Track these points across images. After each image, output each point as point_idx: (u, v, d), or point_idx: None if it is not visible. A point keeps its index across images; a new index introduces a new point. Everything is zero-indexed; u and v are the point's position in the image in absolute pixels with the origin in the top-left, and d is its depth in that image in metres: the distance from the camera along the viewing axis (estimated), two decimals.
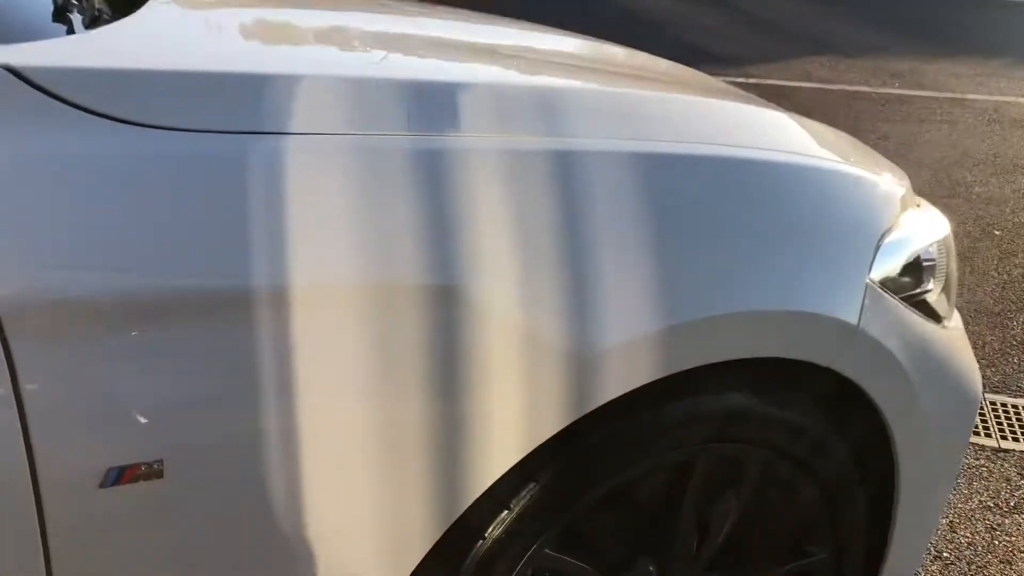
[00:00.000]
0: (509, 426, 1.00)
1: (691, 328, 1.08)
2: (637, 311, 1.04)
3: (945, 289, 1.42)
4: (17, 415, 0.80)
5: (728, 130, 1.31)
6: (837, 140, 1.54)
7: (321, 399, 0.91)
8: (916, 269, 1.34)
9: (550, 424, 1.02)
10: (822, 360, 1.19)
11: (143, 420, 0.84)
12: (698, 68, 1.87)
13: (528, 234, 0.98)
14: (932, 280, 1.37)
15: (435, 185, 0.95)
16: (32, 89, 0.83)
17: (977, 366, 1.47)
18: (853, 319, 1.18)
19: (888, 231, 1.28)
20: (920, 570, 1.93)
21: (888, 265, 1.27)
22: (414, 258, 0.92)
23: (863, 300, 1.20)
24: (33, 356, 0.79)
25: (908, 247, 1.31)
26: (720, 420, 1.18)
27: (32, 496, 0.82)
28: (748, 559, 1.35)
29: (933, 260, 1.38)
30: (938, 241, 1.39)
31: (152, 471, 0.86)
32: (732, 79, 5.82)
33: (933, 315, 1.36)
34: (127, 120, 0.86)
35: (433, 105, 1.03)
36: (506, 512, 1.07)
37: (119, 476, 0.85)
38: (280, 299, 0.87)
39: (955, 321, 1.45)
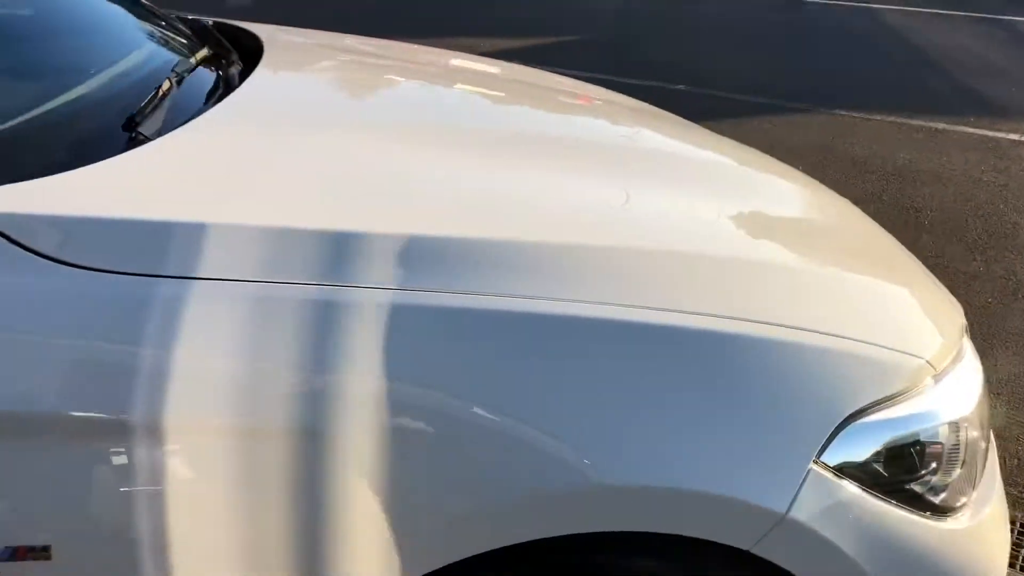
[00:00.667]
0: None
1: (598, 493, 1.08)
2: (535, 470, 1.06)
3: (964, 476, 1.27)
4: None
5: (695, 291, 1.23)
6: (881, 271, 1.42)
7: (188, 522, 1.03)
8: (910, 454, 1.22)
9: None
10: (740, 544, 1.13)
11: (32, 511, 1.01)
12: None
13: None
14: (936, 466, 1.24)
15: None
16: None
17: (998, 565, 1.30)
18: (781, 506, 1.11)
19: (865, 410, 1.17)
20: None
21: (855, 449, 1.17)
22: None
23: (800, 486, 1.12)
24: None
25: (892, 430, 1.19)
26: None
27: None
28: None
29: (939, 444, 1.24)
30: (950, 423, 1.25)
31: (40, 553, 1.02)
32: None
33: (930, 507, 1.23)
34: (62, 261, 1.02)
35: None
36: None
37: (12, 554, 1.02)
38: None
39: (974, 515, 1.29)
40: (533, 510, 1.09)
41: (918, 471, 1.22)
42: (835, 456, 1.15)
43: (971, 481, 1.29)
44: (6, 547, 1.02)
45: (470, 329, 1.07)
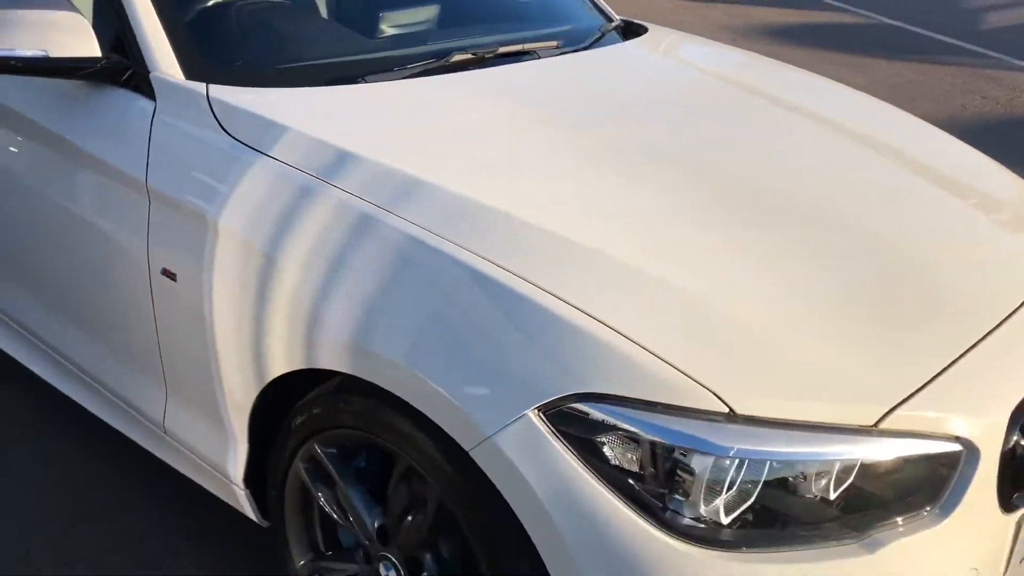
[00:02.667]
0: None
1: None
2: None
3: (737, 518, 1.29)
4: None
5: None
6: None
7: None
8: (651, 461, 1.31)
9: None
10: (463, 443, 1.39)
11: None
12: None
13: None
14: (682, 488, 1.29)
15: None
16: None
17: None
18: (489, 430, 1.35)
19: (608, 399, 1.30)
20: None
21: (583, 424, 1.32)
22: None
23: (510, 423, 1.33)
24: None
25: (635, 426, 1.29)
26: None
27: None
28: None
29: (692, 471, 1.29)
30: (728, 460, 1.27)
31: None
32: None
33: (660, 519, 1.29)
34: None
35: None
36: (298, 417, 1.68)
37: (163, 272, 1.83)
38: None
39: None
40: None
41: (651, 482, 1.30)
42: (561, 420, 1.33)
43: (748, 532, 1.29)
44: (164, 270, 1.84)
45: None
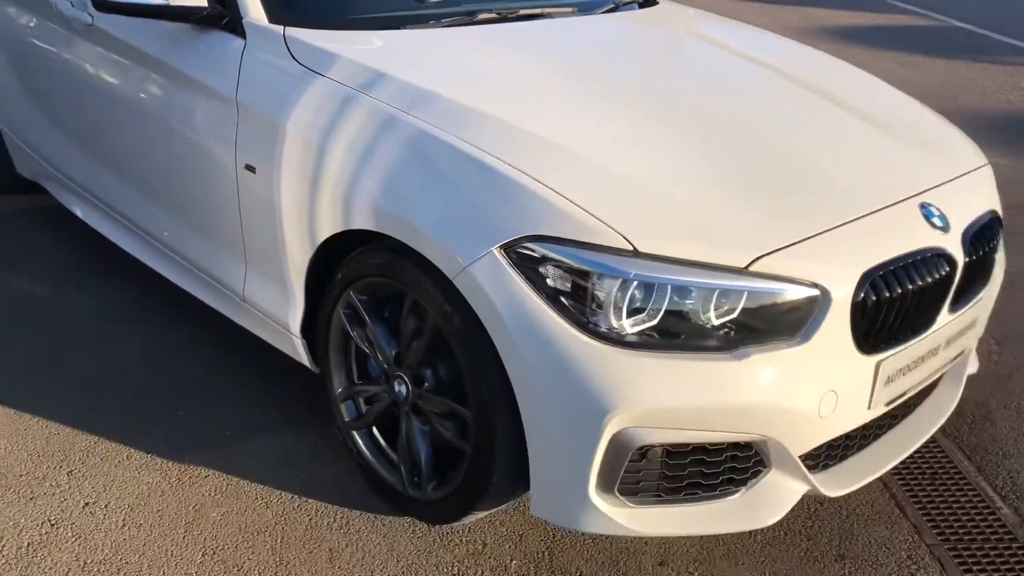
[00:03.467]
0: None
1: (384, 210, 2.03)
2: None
3: (648, 327, 1.79)
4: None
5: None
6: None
7: None
8: (578, 285, 1.81)
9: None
10: (447, 272, 1.92)
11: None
12: None
13: None
14: (600, 304, 1.79)
15: None
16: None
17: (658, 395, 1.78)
18: (464, 262, 1.88)
19: (551, 240, 1.82)
20: None
21: (533, 261, 1.84)
22: None
23: (479, 258, 1.86)
24: None
25: (568, 259, 1.80)
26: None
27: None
28: None
29: (604, 292, 1.79)
30: (634, 282, 1.78)
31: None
32: None
33: (589, 328, 1.80)
34: None
35: None
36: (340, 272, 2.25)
37: (247, 167, 2.42)
38: None
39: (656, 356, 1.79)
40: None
41: (579, 300, 1.81)
42: (516, 255, 1.84)
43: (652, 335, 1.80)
44: (246, 165, 2.43)
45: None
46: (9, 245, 3.57)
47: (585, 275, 1.81)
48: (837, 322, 1.88)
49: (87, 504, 2.24)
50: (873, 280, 1.92)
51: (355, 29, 2.52)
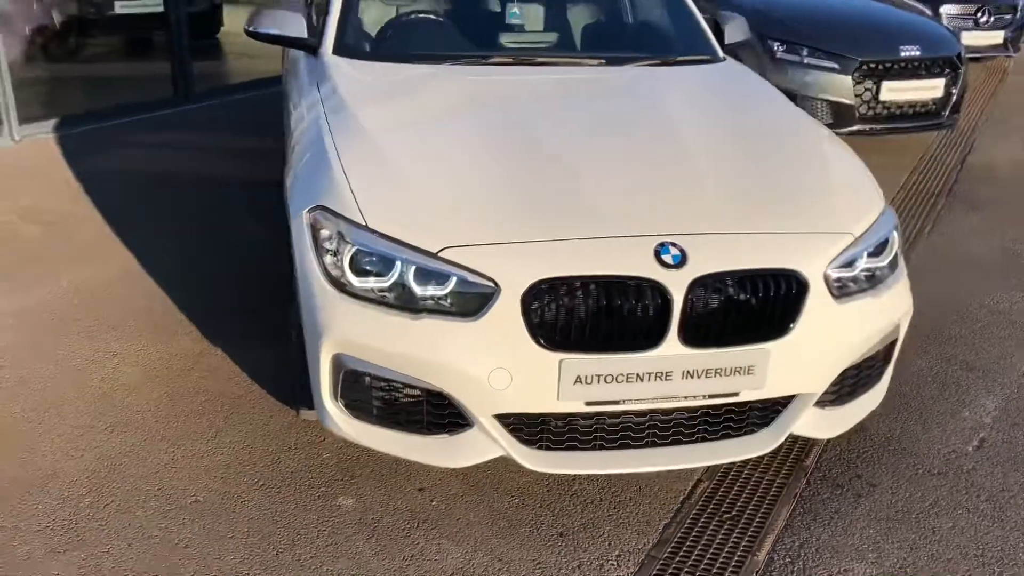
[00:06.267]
0: None
1: None
2: None
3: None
4: None
5: None
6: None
7: None
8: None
9: None
10: (290, 223, 2.73)
11: None
12: None
13: None
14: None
15: None
16: None
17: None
18: (294, 216, 2.68)
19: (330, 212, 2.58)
20: None
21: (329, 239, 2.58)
22: None
23: (299, 215, 2.65)
24: None
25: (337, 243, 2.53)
26: None
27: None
28: None
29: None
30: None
31: None
32: None
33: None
34: None
35: None
36: None
37: None
38: None
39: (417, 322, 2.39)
40: None
41: (333, 256, 2.51)
42: (313, 220, 2.60)
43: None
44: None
45: None
46: None
47: (336, 238, 2.51)
48: (509, 313, 2.33)
49: None
50: (553, 286, 2.32)
51: (379, 61, 3.44)
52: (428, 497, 2.69)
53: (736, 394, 2.50)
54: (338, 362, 2.49)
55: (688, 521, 2.64)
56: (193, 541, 2.48)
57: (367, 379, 2.49)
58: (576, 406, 2.43)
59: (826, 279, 2.53)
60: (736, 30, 3.98)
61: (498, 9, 4.05)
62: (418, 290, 2.40)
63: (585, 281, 2.35)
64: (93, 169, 5.44)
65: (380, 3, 4.04)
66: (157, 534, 2.49)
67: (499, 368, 2.37)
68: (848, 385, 2.76)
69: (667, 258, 2.38)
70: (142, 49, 8.11)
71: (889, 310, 2.71)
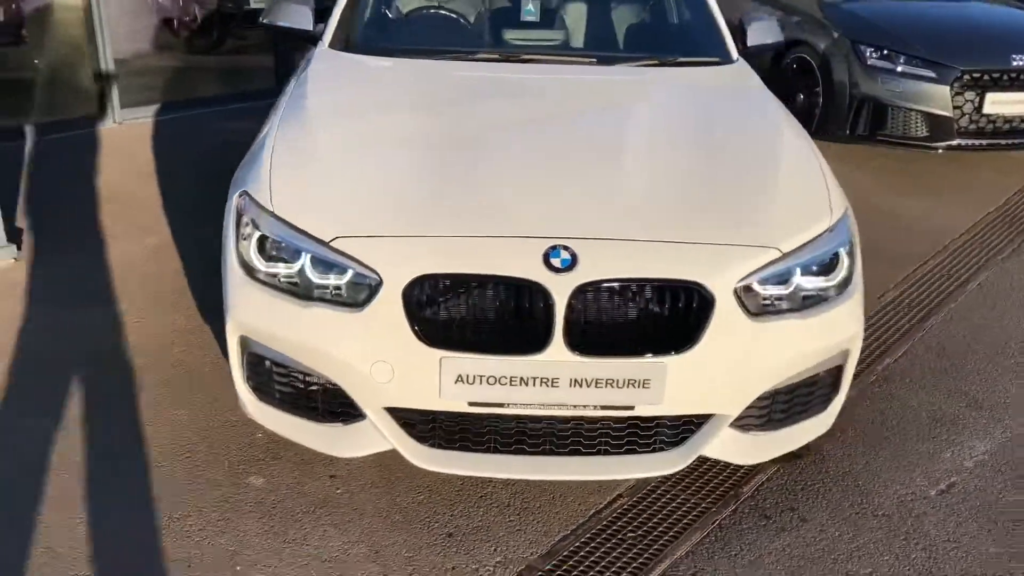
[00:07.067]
0: None
1: None
2: None
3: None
4: None
5: None
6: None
7: None
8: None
9: None
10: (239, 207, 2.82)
11: None
12: None
13: None
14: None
15: None
16: None
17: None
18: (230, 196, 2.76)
19: None
20: None
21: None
22: None
23: (235, 196, 2.73)
24: None
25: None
26: None
27: None
28: None
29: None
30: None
31: None
32: None
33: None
34: None
35: None
36: None
37: None
38: None
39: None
40: None
41: (245, 240, 2.59)
42: (239, 203, 2.69)
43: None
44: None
45: None
46: None
47: (249, 223, 2.58)
48: (391, 307, 2.33)
49: None
50: (436, 282, 2.30)
51: (371, 55, 3.50)
52: (337, 485, 2.71)
53: (631, 408, 2.39)
54: (244, 345, 2.55)
55: (587, 536, 2.55)
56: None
57: (267, 363, 2.55)
58: (459, 406, 2.39)
59: (739, 295, 2.37)
60: (762, 32, 3.77)
61: (509, 5, 4.02)
62: (315, 279, 2.42)
63: (468, 279, 2.31)
64: (173, 153, 5.78)
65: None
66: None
67: (381, 361, 2.36)
68: (779, 410, 2.58)
69: (556, 262, 2.31)
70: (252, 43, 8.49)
71: (824, 334, 2.52)
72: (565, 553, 2.48)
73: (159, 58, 7.40)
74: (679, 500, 2.70)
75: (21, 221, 4.57)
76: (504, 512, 2.63)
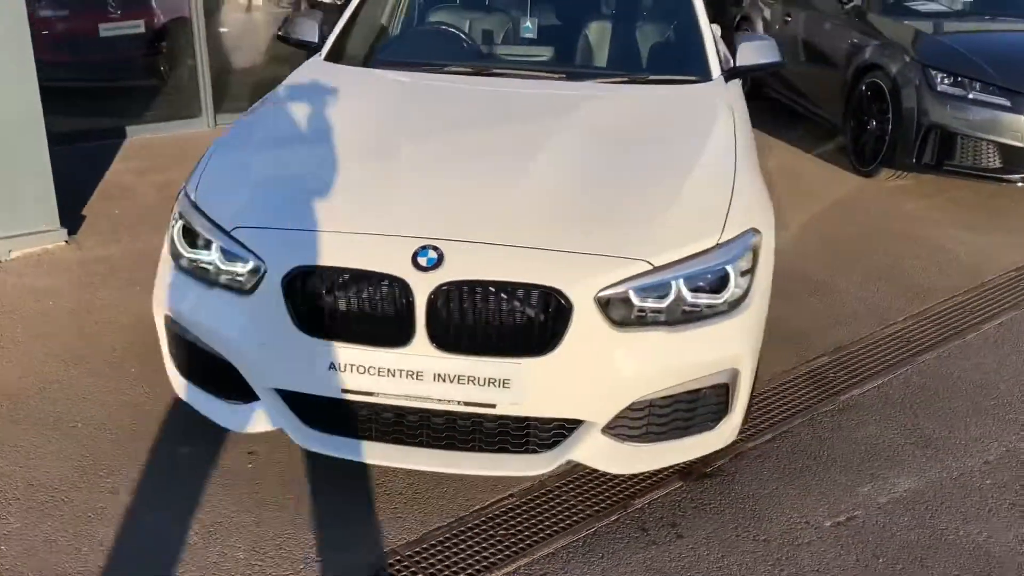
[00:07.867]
0: None
1: None
2: None
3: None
4: None
5: None
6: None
7: None
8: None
9: None
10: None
11: None
12: None
13: None
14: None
15: None
16: None
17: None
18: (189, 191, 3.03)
19: None
20: None
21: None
22: None
23: (181, 192, 3.00)
24: None
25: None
26: None
27: None
28: None
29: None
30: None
31: None
32: None
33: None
34: None
35: None
36: None
37: None
38: None
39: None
40: None
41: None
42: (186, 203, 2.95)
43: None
44: None
45: None
46: None
47: (176, 214, 2.84)
48: (273, 294, 2.51)
49: None
50: (312, 273, 2.47)
51: (360, 67, 3.73)
52: (250, 461, 2.92)
53: (493, 406, 2.48)
54: (167, 323, 2.80)
55: (460, 529, 2.64)
56: (37, 451, 2.92)
57: (183, 342, 2.78)
58: (333, 391, 2.55)
59: (601, 304, 2.42)
60: (752, 52, 3.73)
61: (504, 23, 4.15)
62: (223, 266, 2.64)
63: (341, 272, 2.46)
64: None
65: (401, 14, 4.30)
66: (21, 444, 2.96)
67: (264, 344, 2.55)
68: (656, 423, 2.59)
69: (423, 260, 2.43)
70: None
71: (701, 350, 2.52)
72: (432, 542, 2.59)
73: (252, 68, 7.94)
74: (565, 505, 2.75)
75: (88, 209, 5.06)
76: (392, 499, 2.75)
